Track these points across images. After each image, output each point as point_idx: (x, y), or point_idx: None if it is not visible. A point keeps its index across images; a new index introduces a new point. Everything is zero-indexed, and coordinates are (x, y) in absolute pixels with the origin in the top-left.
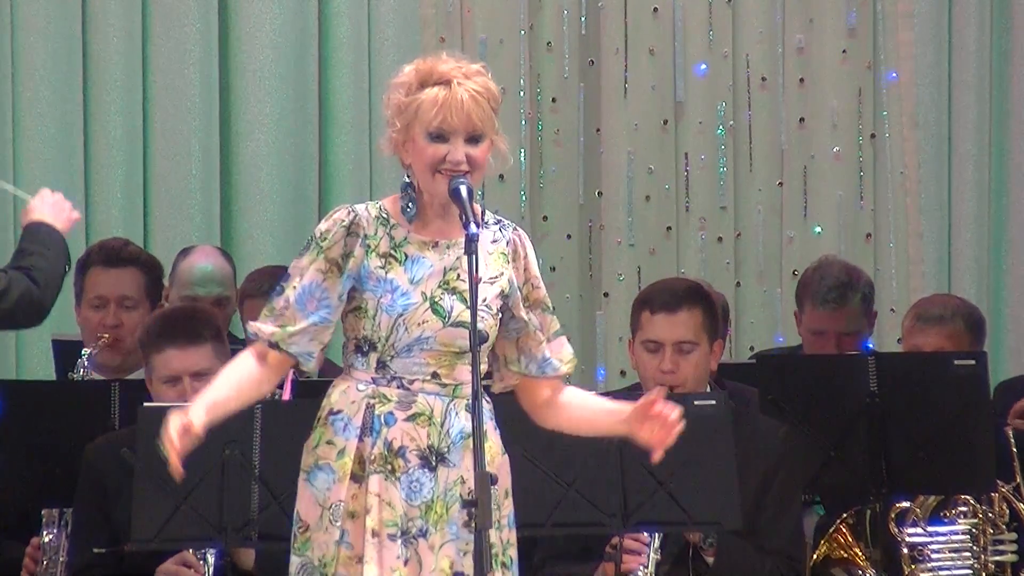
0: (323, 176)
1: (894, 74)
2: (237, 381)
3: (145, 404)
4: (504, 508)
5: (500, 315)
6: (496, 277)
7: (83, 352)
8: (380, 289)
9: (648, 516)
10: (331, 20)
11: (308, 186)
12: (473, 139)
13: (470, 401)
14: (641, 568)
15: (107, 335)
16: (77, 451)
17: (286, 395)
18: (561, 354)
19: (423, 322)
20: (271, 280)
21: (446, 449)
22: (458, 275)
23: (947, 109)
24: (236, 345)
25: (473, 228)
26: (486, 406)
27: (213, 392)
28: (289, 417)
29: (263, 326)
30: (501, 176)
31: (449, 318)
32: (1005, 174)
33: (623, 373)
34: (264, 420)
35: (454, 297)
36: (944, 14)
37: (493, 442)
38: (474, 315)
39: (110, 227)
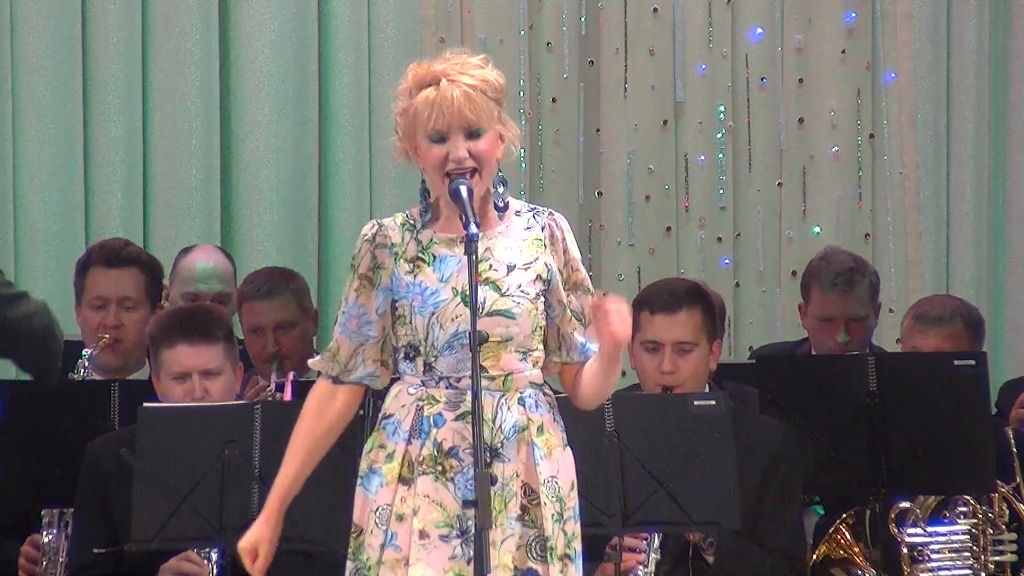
0: (323, 176)
1: (893, 74)
2: (311, 445)
3: (145, 404)
4: (569, 500)
5: (540, 299)
6: (531, 262)
7: (84, 352)
8: (411, 293)
9: (648, 516)
10: (331, 20)
11: (308, 186)
12: (472, 134)
13: (522, 393)
14: (641, 568)
15: (107, 335)
16: (77, 451)
17: (287, 396)
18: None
19: (456, 316)
20: (270, 281)
21: (500, 444)
22: (490, 265)
23: (946, 109)
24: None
25: (473, 228)
26: (544, 398)
27: (285, 476)
28: (289, 417)
29: (325, 364)
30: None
31: (483, 309)
32: (1004, 174)
33: (623, 373)
34: (264, 420)
35: (486, 287)
36: (943, 14)
37: (551, 434)
38: (474, 316)
39: (110, 227)
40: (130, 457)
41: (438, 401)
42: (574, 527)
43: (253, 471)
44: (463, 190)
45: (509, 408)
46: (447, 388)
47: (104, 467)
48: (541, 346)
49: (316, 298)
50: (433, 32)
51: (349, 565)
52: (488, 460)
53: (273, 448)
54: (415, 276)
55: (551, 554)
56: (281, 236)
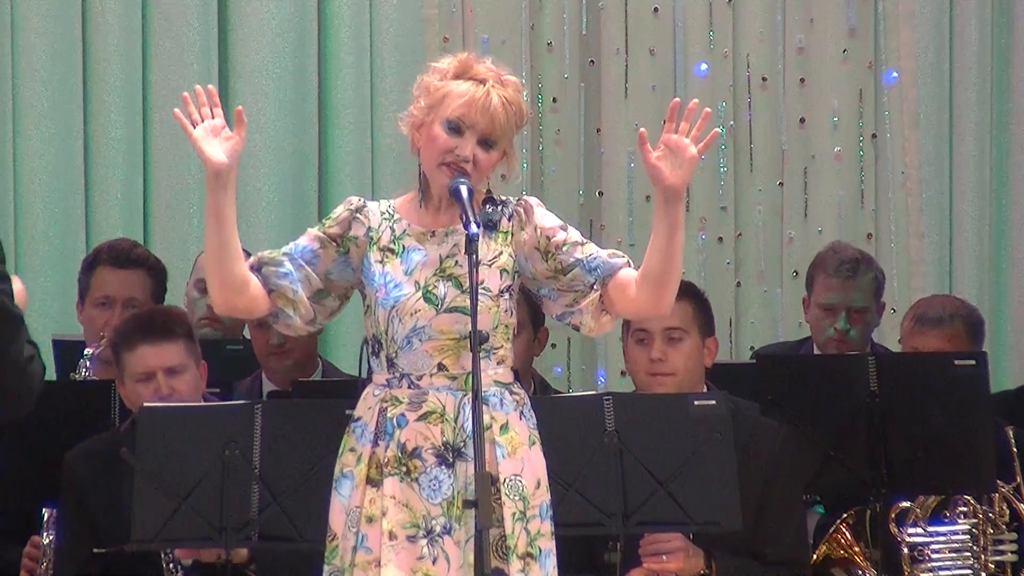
0: (323, 176)
1: (895, 74)
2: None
3: (145, 404)
4: (534, 499)
5: (505, 296)
6: (495, 257)
7: (85, 352)
8: (376, 283)
9: (648, 516)
10: (331, 20)
11: (307, 187)
12: (486, 143)
13: (486, 392)
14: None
15: (107, 335)
16: None
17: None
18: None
19: (416, 311)
20: None
21: (462, 444)
22: (456, 261)
23: (948, 109)
24: (237, 347)
25: (474, 228)
26: (511, 397)
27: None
28: (289, 417)
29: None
30: (503, 176)
31: (442, 305)
32: (1006, 174)
33: (623, 374)
34: (264, 420)
35: (449, 283)
36: (945, 14)
37: (516, 433)
38: (474, 315)
39: (110, 227)
40: (130, 457)
41: (401, 402)
42: (539, 525)
43: (253, 471)
44: (463, 190)
45: (471, 407)
46: (409, 387)
47: (80, 475)
48: (507, 343)
49: None
50: (436, 32)
51: (325, 569)
52: (451, 460)
53: (273, 448)
54: (384, 266)
55: (510, 552)
56: (280, 237)
